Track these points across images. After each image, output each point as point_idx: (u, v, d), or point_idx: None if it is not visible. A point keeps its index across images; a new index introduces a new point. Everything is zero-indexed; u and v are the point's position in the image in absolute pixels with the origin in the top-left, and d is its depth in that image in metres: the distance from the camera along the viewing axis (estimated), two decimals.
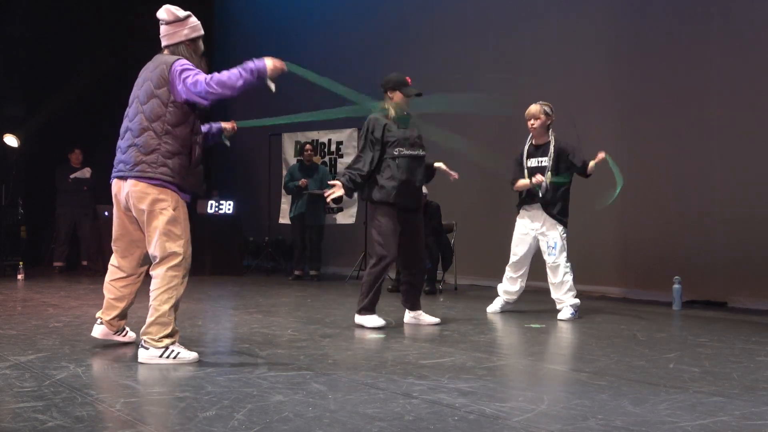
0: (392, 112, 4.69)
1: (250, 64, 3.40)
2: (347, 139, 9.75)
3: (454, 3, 9.19)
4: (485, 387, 3.02)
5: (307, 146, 9.01)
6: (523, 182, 5.50)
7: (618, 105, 7.50)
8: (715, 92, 6.77)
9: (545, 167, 5.44)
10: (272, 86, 3.45)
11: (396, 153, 4.67)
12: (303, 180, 8.67)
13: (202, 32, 3.63)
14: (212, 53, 12.95)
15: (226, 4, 12.91)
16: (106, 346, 3.84)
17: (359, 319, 4.73)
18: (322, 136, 10.14)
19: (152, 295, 3.43)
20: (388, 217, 4.68)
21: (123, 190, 3.49)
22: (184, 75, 3.38)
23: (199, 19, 3.67)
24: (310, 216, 8.67)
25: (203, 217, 9.77)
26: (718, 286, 6.59)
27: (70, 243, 9.48)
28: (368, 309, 4.72)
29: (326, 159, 10.10)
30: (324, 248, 9.04)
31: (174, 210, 3.42)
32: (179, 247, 3.42)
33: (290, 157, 10.07)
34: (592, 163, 5.42)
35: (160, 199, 3.40)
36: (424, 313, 4.98)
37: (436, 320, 4.95)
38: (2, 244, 9.10)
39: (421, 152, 4.80)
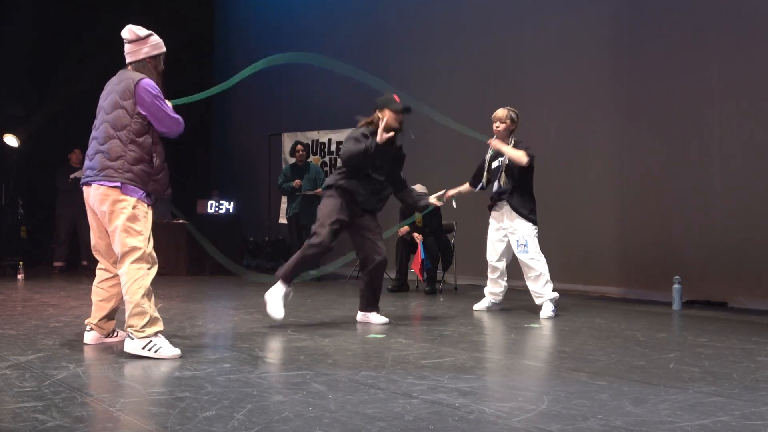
0: (380, 131, 4.78)
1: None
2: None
3: (454, 3, 9.19)
4: (485, 387, 3.02)
5: (299, 147, 9.02)
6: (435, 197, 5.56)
7: (617, 105, 7.50)
8: (715, 92, 6.77)
9: (500, 167, 5.60)
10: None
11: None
12: (297, 181, 8.67)
13: (163, 50, 3.83)
14: (212, 52, 12.96)
15: (226, 4, 12.91)
16: (106, 346, 3.84)
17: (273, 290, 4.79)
18: (322, 136, 10.15)
19: (123, 290, 3.58)
20: (333, 198, 4.84)
21: (90, 195, 3.68)
22: (162, 104, 3.65)
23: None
24: (304, 216, 8.67)
25: (203, 217, 9.77)
26: (718, 286, 6.60)
27: (70, 243, 9.48)
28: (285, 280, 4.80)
29: (326, 159, 10.11)
30: None
31: (134, 209, 3.60)
32: (139, 242, 3.59)
33: (290, 157, 10.09)
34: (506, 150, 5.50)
35: (120, 199, 3.59)
36: (374, 314, 5.00)
37: (385, 320, 4.96)
38: (2, 244, 9.10)
39: (379, 177, 4.91)
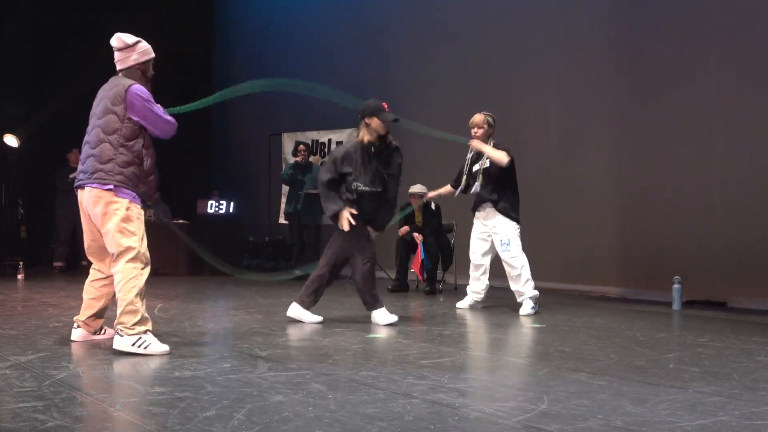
0: (367, 138, 4.81)
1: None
2: (347, 138, 9.75)
3: (453, 3, 9.19)
4: (485, 387, 3.02)
5: (301, 147, 9.04)
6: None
7: (618, 104, 7.50)
8: (716, 92, 6.77)
9: (479, 171, 5.69)
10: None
11: (353, 187, 4.81)
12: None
13: (152, 55, 3.93)
14: (212, 51, 12.96)
15: (226, 4, 12.90)
16: (106, 346, 3.84)
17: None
18: (322, 136, 10.15)
19: (117, 288, 3.66)
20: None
21: (84, 197, 3.76)
22: (152, 107, 3.75)
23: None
24: (305, 215, 8.68)
25: (203, 217, 9.76)
26: (718, 286, 6.60)
27: (70, 243, 9.48)
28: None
29: (326, 159, 10.11)
30: (323, 248, 9.04)
31: (127, 210, 3.69)
32: (134, 242, 3.67)
33: (290, 157, 10.09)
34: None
35: (113, 201, 3.68)
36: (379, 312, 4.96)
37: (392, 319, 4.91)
38: (2, 244, 9.10)
39: (377, 189, 4.84)
